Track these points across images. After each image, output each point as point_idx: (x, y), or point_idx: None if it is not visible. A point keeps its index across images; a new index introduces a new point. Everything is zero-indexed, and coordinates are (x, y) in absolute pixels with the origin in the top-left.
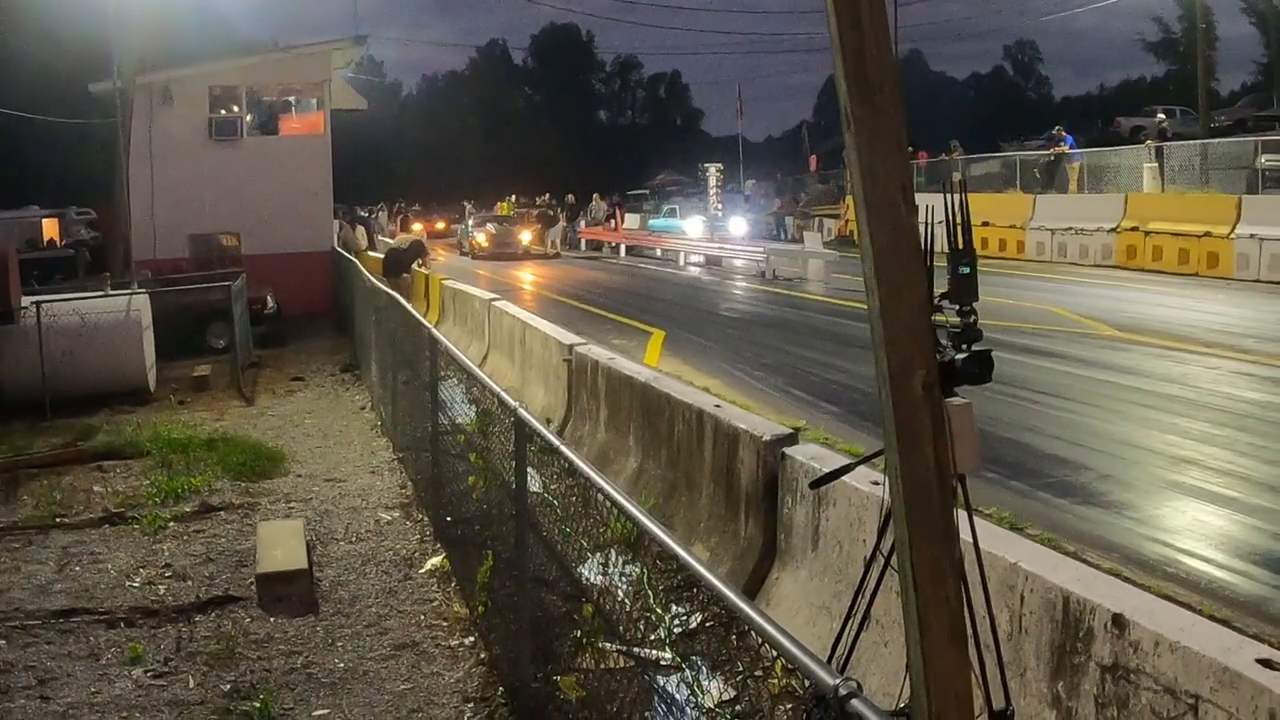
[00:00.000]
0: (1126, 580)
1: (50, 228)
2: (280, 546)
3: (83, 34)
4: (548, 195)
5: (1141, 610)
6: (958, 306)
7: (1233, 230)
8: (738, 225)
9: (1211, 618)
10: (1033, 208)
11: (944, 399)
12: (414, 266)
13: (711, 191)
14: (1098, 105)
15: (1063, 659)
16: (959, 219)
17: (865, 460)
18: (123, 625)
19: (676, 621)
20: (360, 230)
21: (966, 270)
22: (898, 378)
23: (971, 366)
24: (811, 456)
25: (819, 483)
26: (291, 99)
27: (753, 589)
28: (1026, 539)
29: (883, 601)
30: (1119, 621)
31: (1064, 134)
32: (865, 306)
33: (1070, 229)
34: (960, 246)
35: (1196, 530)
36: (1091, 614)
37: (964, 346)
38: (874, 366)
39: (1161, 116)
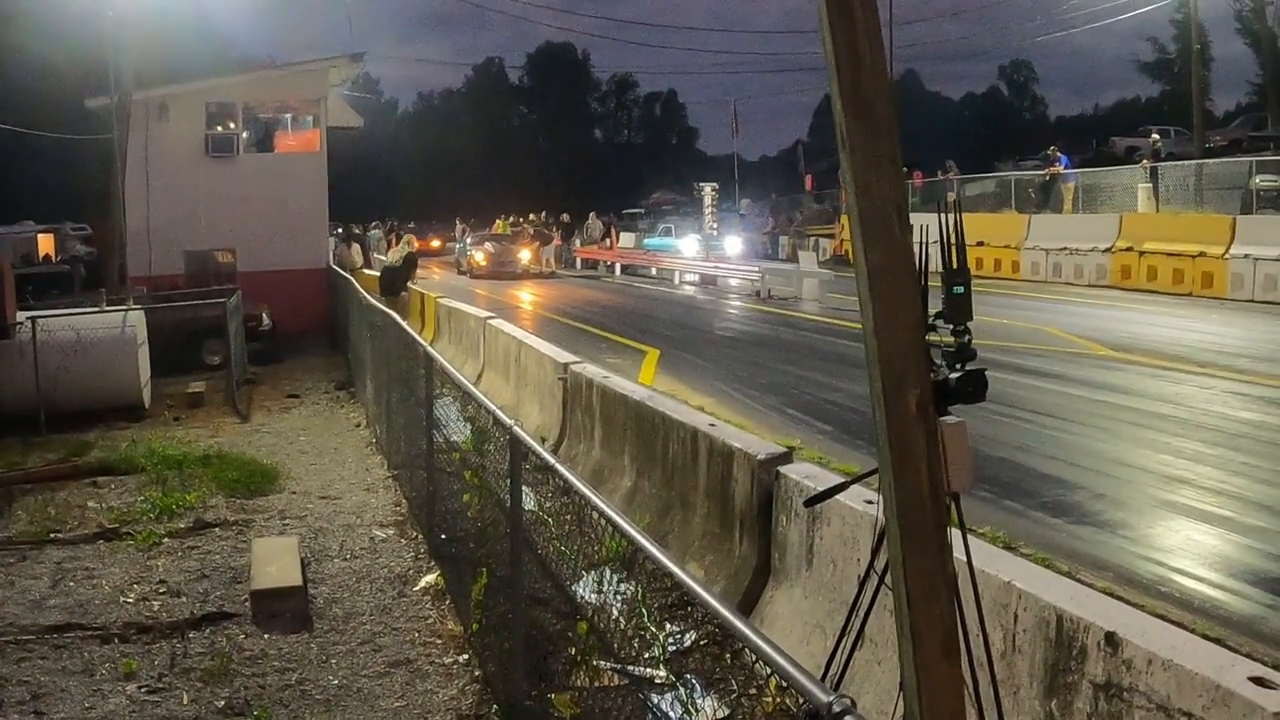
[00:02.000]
0: (1119, 599)
1: (46, 243)
2: (275, 563)
3: (80, 49)
4: (543, 213)
5: (1134, 628)
6: (952, 326)
7: (1227, 250)
8: (733, 244)
9: (1205, 636)
10: (1027, 228)
11: (938, 418)
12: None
13: (707, 210)
14: (1092, 125)
15: (1056, 677)
16: (954, 239)
17: (860, 479)
18: (117, 641)
19: (671, 640)
20: (355, 248)
21: (961, 290)
22: (891, 396)
23: (966, 385)
24: (806, 475)
25: (814, 501)
26: (288, 116)
27: (747, 607)
28: (1020, 558)
29: (876, 620)
30: (1112, 640)
31: (1059, 154)
32: (860, 326)
33: (1065, 249)
34: (955, 266)
35: (1190, 549)
36: (1085, 632)
37: (958, 366)
38: (868, 386)
39: (1156, 137)
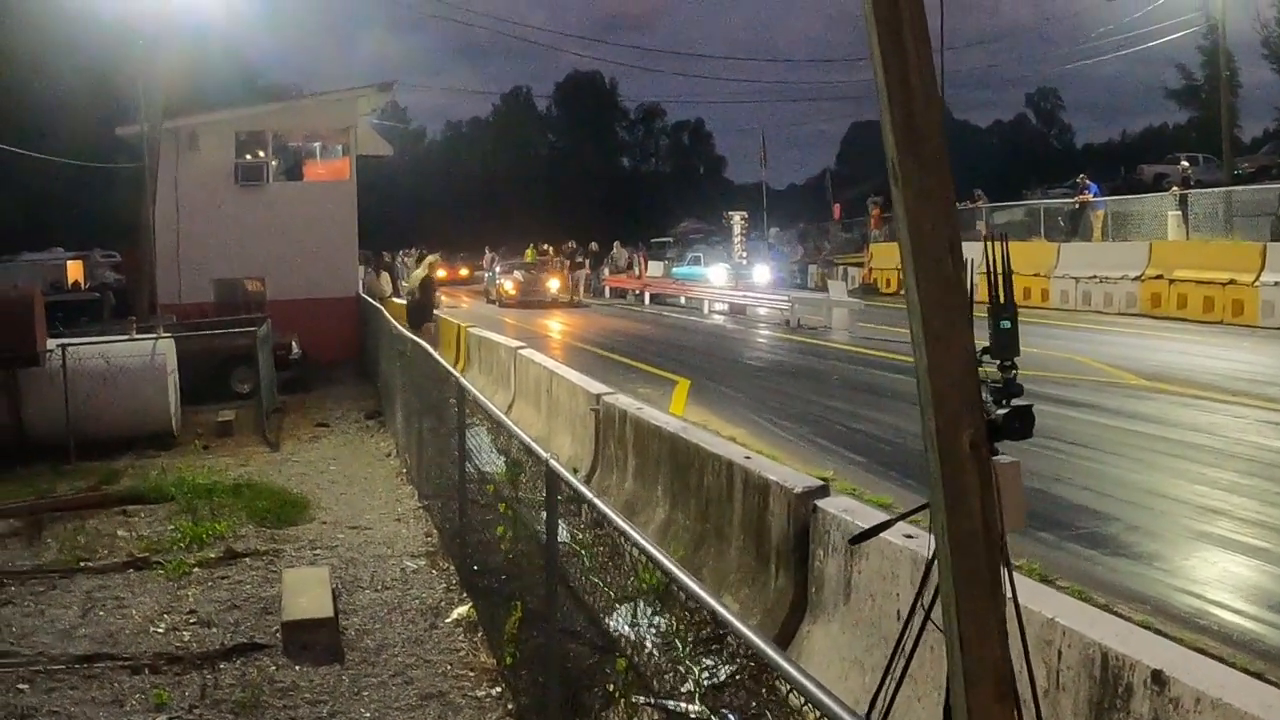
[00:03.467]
0: (1159, 633)
1: (75, 270)
2: (306, 594)
3: (111, 78)
4: (572, 242)
5: (1181, 666)
6: (999, 361)
7: (1257, 278)
8: (762, 273)
9: (1245, 671)
10: (1057, 256)
11: (992, 457)
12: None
13: (736, 239)
14: (1120, 153)
15: (1101, 715)
16: (1000, 271)
17: (906, 516)
18: (147, 671)
19: (706, 673)
20: (385, 276)
21: (1008, 325)
22: (945, 435)
23: (1013, 422)
24: (844, 509)
25: (859, 539)
26: (317, 145)
27: (783, 642)
28: (1063, 594)
29: (916, 656)
30: (1159, 678)
31: (1088, 182)
32: (891, 356)
33: (1094, 277)
34: (1001, 300)
35: (1227, 581)
36: (1131, 670)
37: (1005, 402)
38: (900, 417)
39: (1185, 164)
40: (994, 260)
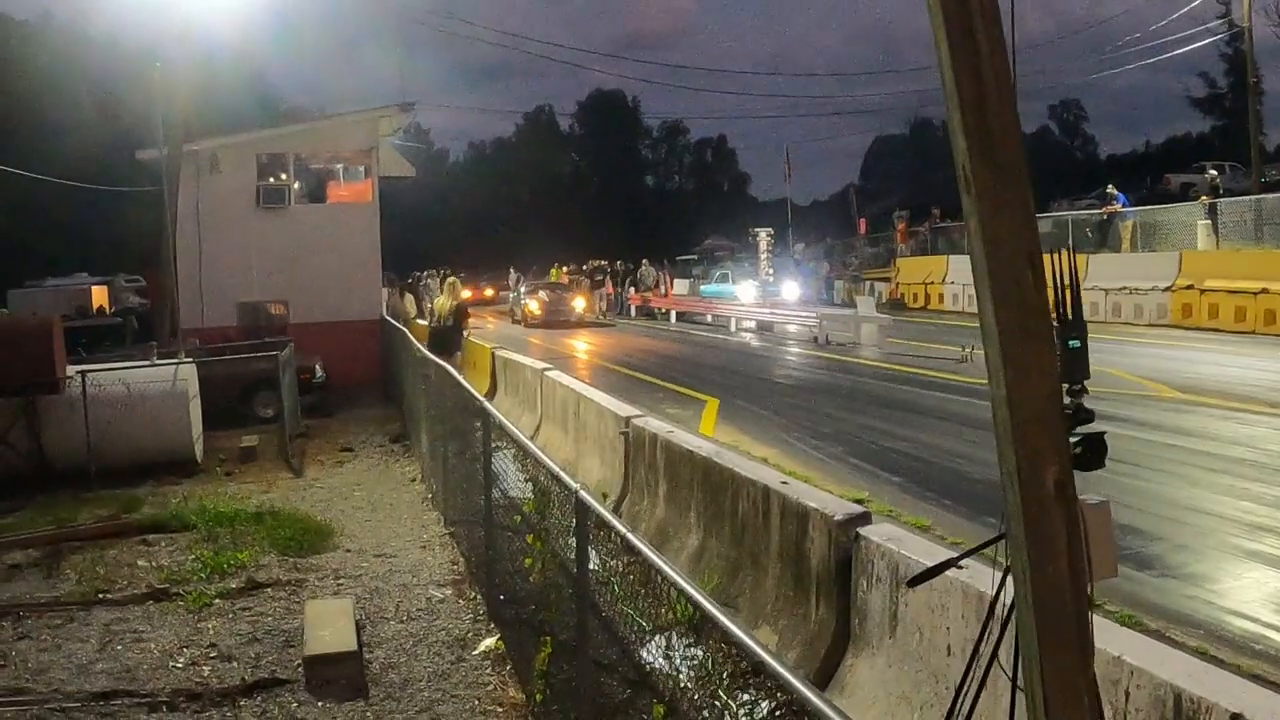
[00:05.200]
0: (1218, 662)
1: (99, 295)
2: (329, 627)
3: (131, 101)
4: (592, 261)
5: (1264, 710)
6: (1068, 385)
7: None
8: (791, 290)
9: None
10: (1086, 267)
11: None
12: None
13: (762, 256)
14: (1144, 163)
15: None
16: (1067, 285)
17: (971, 554)
18: (165, 709)
19: (745, 710)
20: (409, 298)
21: (1077, 344)
22: (1027, 474)
23: (1086, 453)
24: (888, 538)
25: (919, 580)
26: (339, 166)
27: (825, 676)
28: (1130, 629)
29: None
30: None
31: (1116, 192)
32: (922, 372)
33: (1124, 288)
34: (1070, 316)
35: None
36: (1207, 714)
37: (1073, 430)
38: (936, 435)
39: (1213, 172)
40: (1061, 273)
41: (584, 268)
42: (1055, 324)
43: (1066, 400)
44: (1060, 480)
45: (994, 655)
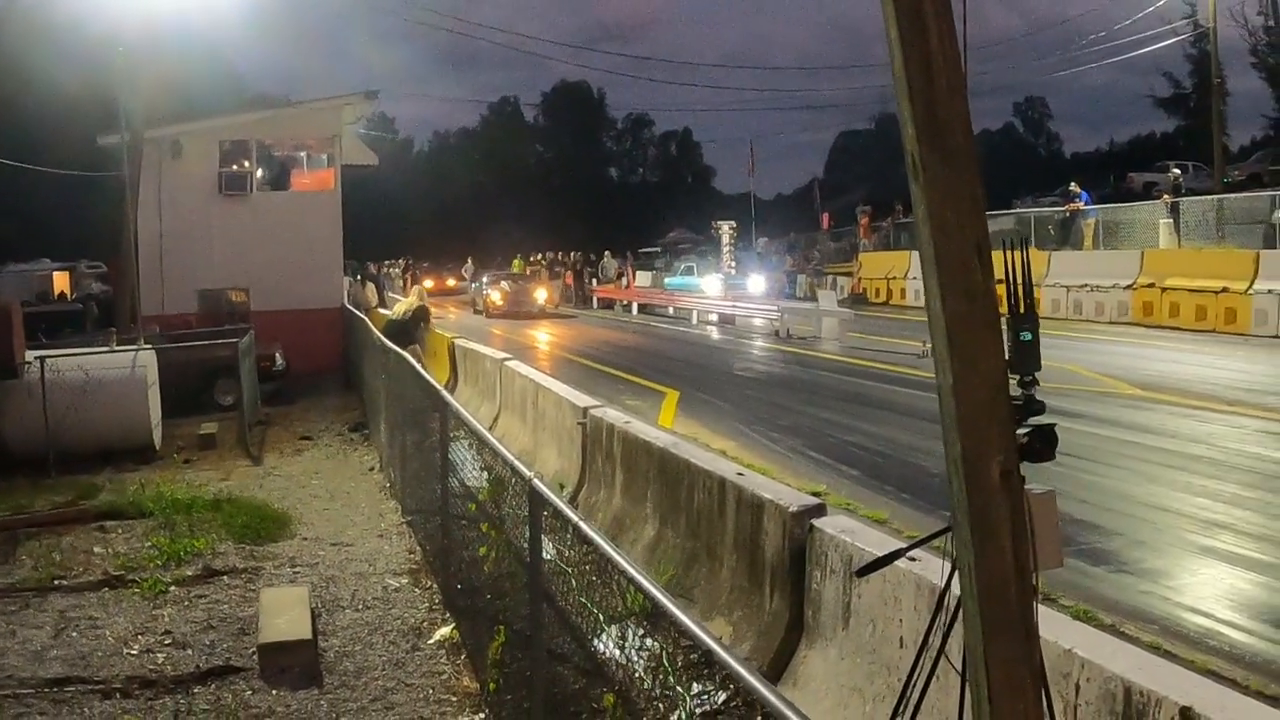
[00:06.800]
0: (1171, 656)
1: (61, 281)
2: (284, 615)
3: (94, 86)
4: (548, 253)
5: (1213, 704)
6: (1019, 377)
7: (1250, 286)
8: (756, 283)
9: (1260, 694)
10: (1048, 265)
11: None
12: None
13: (725, 249)
14: (1108, 161)
15: None
16: (1020, 279)
17: (919, 544)
18: (119, 696)
19: (698, 700)
20: (371, 287)
21: (1029, 337)
22: (972, 463)
23: (1036, 443)
24: (842, 529)
25: (866, 570)
26: (302, 154)
27: (779, 667)
28: (1081, 623)
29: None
30: (1188, 716)
31: (1079, 190)
32: (882, 366)
33: (1086, 286)
34: (1022, 310)
35: (1235, 599)
36: (1157, 707)
37: (1024, 421)
38: (893, 429)
39: (1177, 172)
40: (1012, 267)
41: (541, 258)
42: (1007, 317)
43: (1018, 392)
44: (1006, 469)
45: (943, 646)
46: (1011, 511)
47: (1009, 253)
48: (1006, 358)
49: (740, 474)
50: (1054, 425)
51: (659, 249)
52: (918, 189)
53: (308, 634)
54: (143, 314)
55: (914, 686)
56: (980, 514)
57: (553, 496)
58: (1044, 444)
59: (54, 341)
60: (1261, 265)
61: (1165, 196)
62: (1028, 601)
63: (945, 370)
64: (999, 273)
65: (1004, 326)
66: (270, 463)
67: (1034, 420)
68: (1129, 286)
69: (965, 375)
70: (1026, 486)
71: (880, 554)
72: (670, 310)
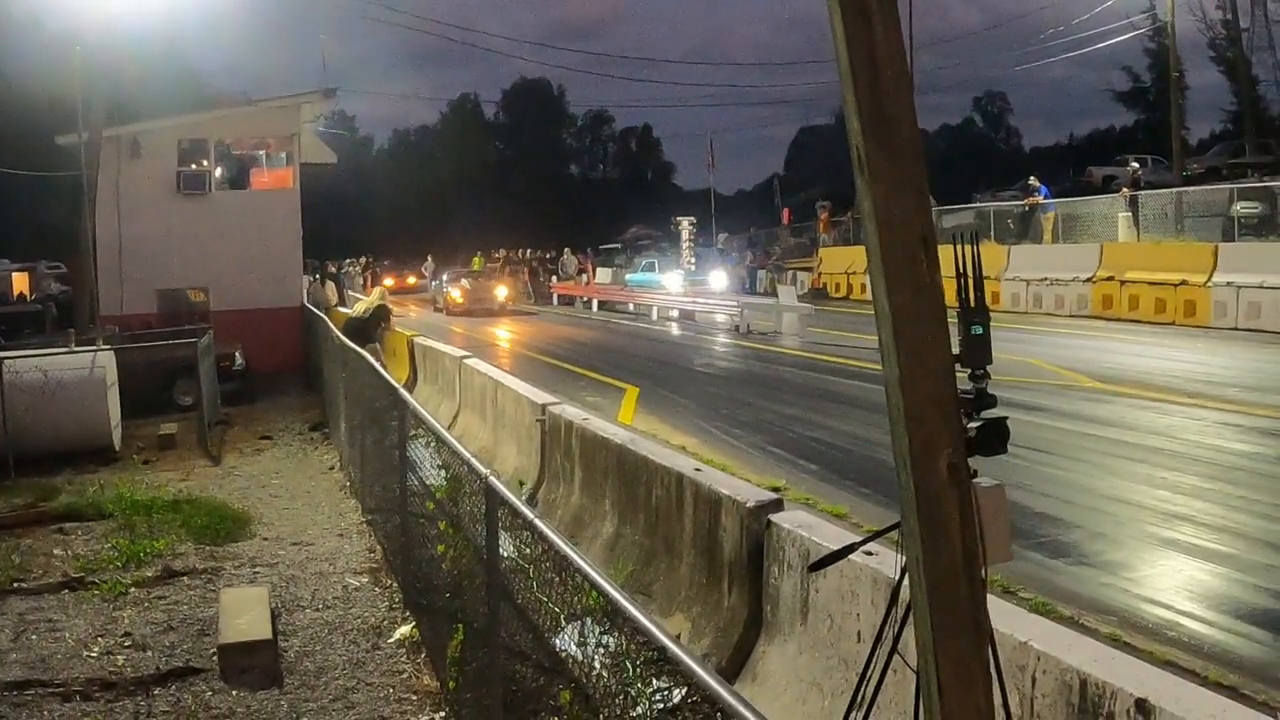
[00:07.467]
0: (1130, 647)
1: (20, 282)
2: (244, 615)
3: (52, 85)
4: (530, 250)
5: (1168, 695)
6: (970, 370)
7: (1209, 278)
8: (719, 279)
9: (1218, 684)
10: (1007, 258)
11: (972, 480)
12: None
13: (684, 245)
14: (1067, 155)
15: None
16: (970, 273)
17: (871, 539)
18: (79, 698)
19: (658, 697)
20: (330, 286)
21: (980, 331)
22: (919, 457)
23: (987, 437)
24: (799, 525)
25: (819, 565)
26: (261, 153)
27: (738, 663)
28: (1037, 615)
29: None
30: (1143, 707)
31: (1038, 184)
32: (842, 361)
33: (1045, 279)
34: (973, 304)
35: (1194, 590)
36: (1112, 699)
37: (976, 415)
38: (853, 424)
39: (1135, 165)
40: (963, 261)
41: (500, 255)
42: (959, 311)
43: (969, 386)
44: (953, 463)
45: (896, 641)
46: (960, 505)
47: (960, 247)
48: (957, 352)
49: (698, 469)
50: (1006, 419)
51: (619, 245)
52: (863, 183)
53: (268, 634)
54: (101, 314)
55: (869, 681)
56: (928, 508)
57: (509, 494)
58: (996, 438)
59: (13, 342)
60: (1220, 258)
61: (1124, 190)
62: (978, 595)
63: (892, 363)
64: (950, 267)
65: (955, 321)
66: (230, 462)
67: (986, 414)
68: (1089, 280)
69: (912, 369)
70: (975, 480)
71: (834, 548)
72: (630, 307)
